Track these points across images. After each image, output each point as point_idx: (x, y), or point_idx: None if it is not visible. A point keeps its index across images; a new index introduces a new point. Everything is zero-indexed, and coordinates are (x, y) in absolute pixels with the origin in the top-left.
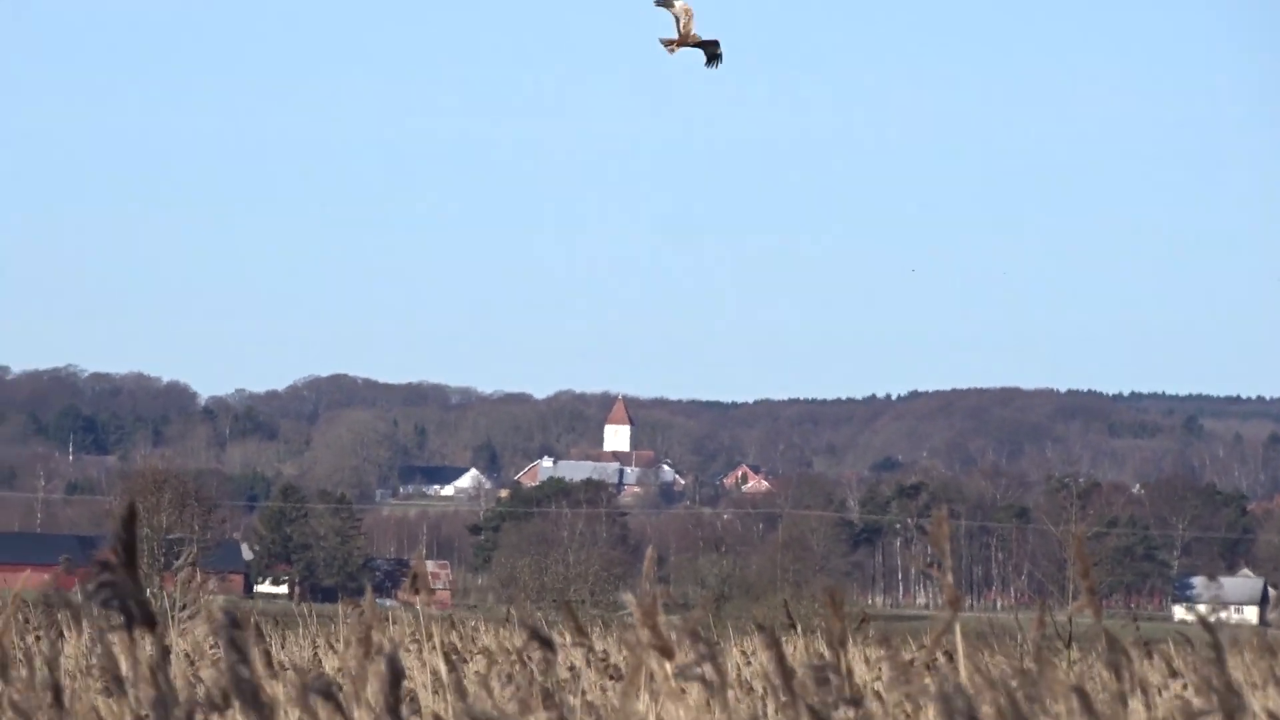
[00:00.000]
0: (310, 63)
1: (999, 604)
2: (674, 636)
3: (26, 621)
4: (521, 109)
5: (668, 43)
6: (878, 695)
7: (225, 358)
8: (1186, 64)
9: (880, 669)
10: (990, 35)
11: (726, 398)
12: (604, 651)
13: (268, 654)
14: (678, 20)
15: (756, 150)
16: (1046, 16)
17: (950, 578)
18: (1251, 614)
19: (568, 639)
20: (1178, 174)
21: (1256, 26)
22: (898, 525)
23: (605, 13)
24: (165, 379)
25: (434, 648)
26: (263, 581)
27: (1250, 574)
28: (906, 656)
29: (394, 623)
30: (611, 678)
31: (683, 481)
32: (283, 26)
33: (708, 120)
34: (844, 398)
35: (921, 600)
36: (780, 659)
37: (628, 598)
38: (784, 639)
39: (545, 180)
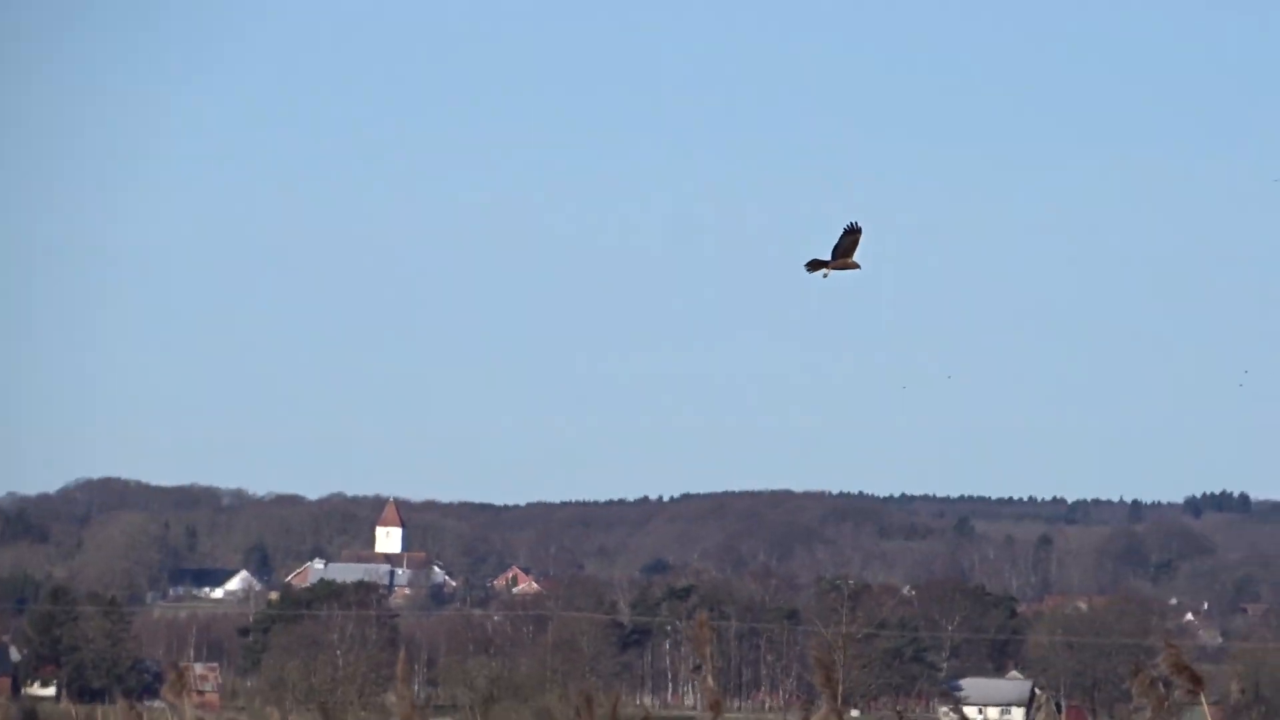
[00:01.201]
0: None
1: (767, 704)
2: None
3: None
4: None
5: (818, 265)
6: None
7: None
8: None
9: None
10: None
11: (498, 500)
12: None
13: None
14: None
15: (499, 247)
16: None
17: (711, 681)
18: (1019, 716)
19: None
20: (931, 265)
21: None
22: (668, 627)
23: None
24: None
25: None
26: (31, 684)
27: (1019, 675)
28: None
29: None
30: None
31: (454, 583)
32: None
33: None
34: (616, 499)
35: (690, 701)
36: None
37: (390, 700)
38: None
39: (304, 278)
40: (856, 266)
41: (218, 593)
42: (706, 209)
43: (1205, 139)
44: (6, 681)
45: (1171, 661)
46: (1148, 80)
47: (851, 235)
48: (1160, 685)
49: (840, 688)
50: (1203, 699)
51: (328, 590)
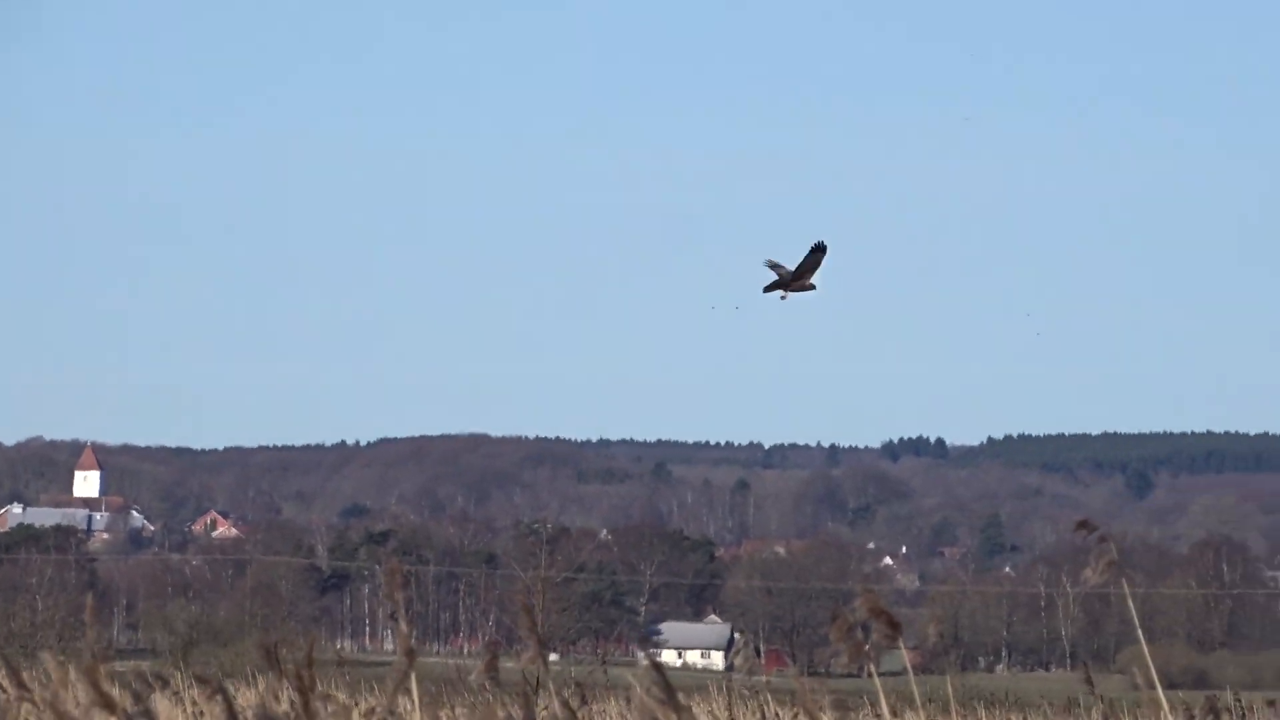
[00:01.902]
0: None
1: (466, 649)
2: (130, 685)
3: None
4: None
5: (776, 286)
6: None
7: None
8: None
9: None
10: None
11: (196, 444)
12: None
13: None
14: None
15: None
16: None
17: (405, 627)
18: (718, 659)
19: (10, 691)
20: (627, 207)
21: None
22: (366, 571)
23: None
24: None
25: None
26: None
27: (718, 620)
28: (371, 704)
29: None
30: None
31: (152, 528)
32: None
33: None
34: (313, 444)
35: (389, 646)
36: (230, 708)
37: (85, 647)
38: (245, 686)
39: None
40: (813, 287)
41: None
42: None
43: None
44: None
45: (868, 606)
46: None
47: (817, 254)
48: (858, 630)
49: (539, 631)
50: (900, 643)
51: (25, 534)
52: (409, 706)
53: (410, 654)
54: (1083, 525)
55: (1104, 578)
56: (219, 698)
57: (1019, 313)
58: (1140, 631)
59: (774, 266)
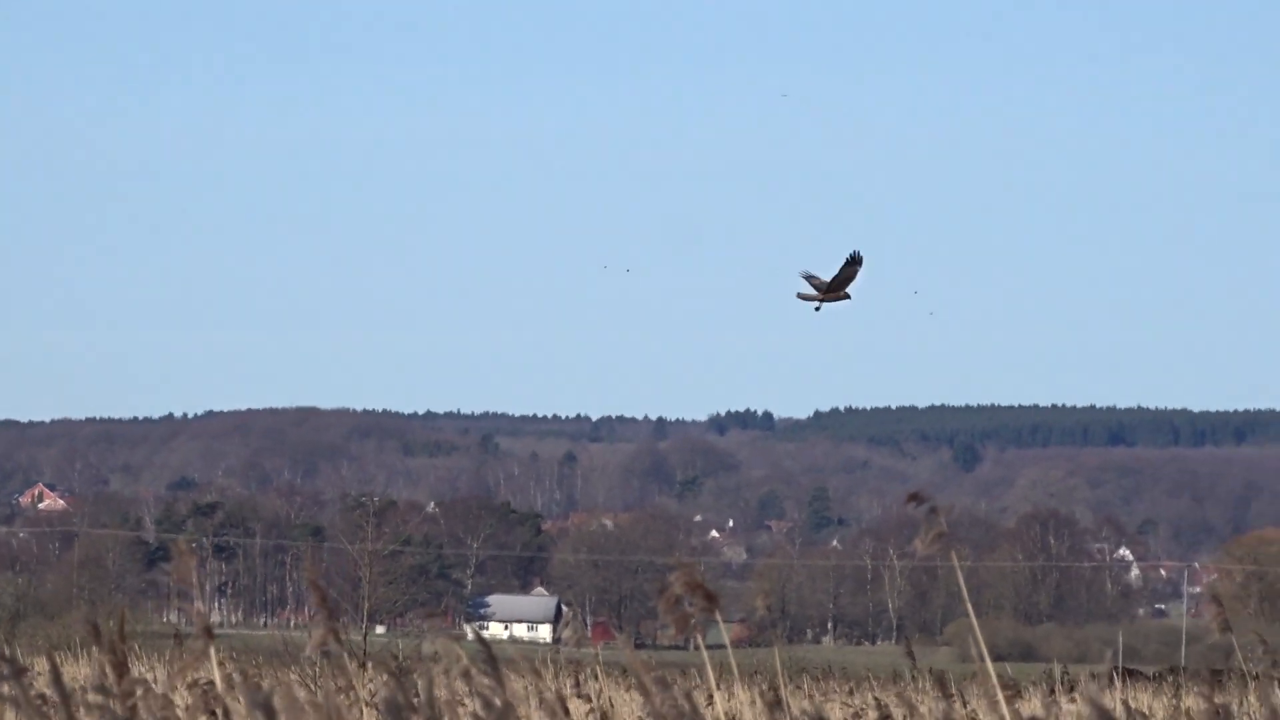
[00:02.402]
0: None
1: (293, 621)
2: None
3: None
4: None
5: (811, 297)
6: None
7: None
8: None
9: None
10: None
11: (23, 416)
12: None
13: None
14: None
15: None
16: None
17: (201, 606)
18: (546, 632)
19: None
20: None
21: None
22: (194, 544)
23: None
24: None
25: None
26: None
27: (544, 592)
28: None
29: None
30: None
31: None
32: None
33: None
34: (140, 416)
35: (216, 618)
36: (58, 679)
37: None
38: (73, 660)
39: None
40: (848, 298)
41: None
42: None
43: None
44: None
45: (685, 580)
46: None
47: (853, 266)
48: (685, 603)
49: (366, 604)
50: (718, 617)
51: None
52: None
53: (208, 632)
54: (914, 498)
55: (934, 550)
56: (46, 673)
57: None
58: (969, 605)
59: (809, 278)
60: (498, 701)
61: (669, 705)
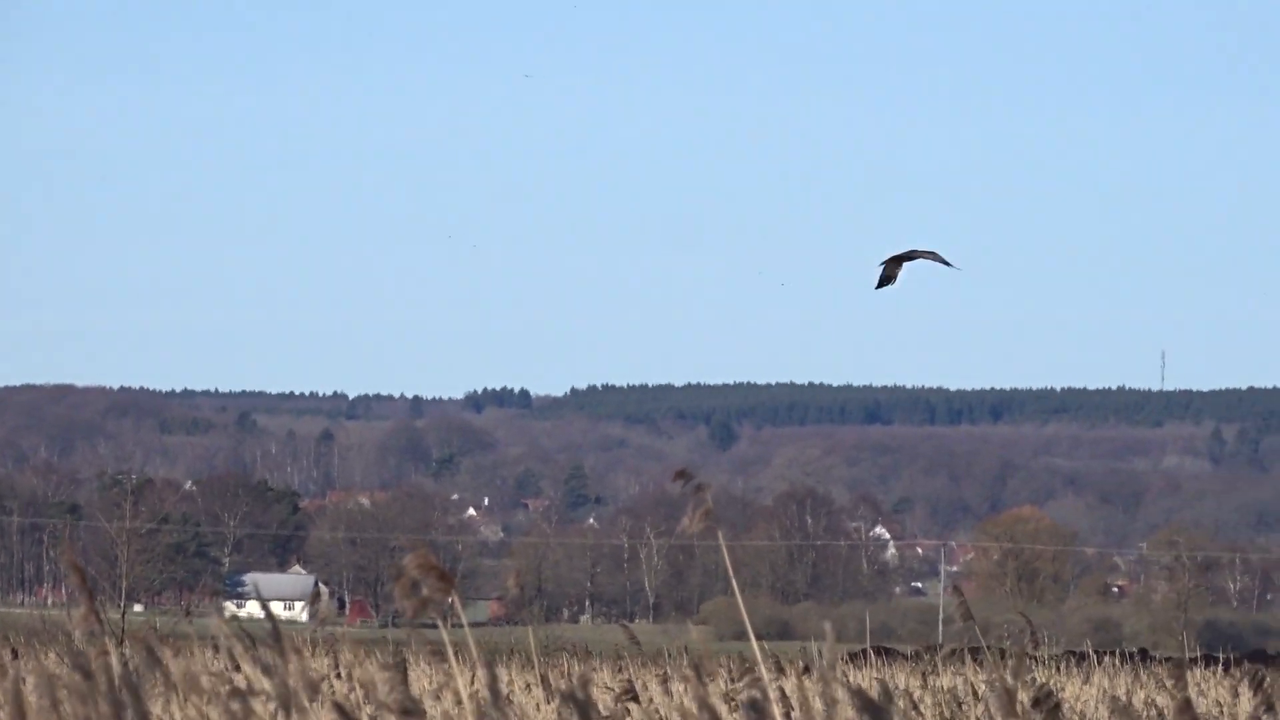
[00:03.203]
0: None
1: (50, 600)
2: None
3: None
4: None
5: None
6: None
7: None
8: None
9: None
10: None
11: None
12: None
13: None
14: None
15: None
16: None
17: None
18: (303, 610)
19: None
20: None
21: None
22: None
23: None
24: None
25: None
26: None
27: (302, 570)
28: None
29: None
30: None
31: None
32: None
33: None
34: None
35: None
36: None
37: None
38: None
39: None
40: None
41: None
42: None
43: None
44: None
45: (419, 562)
46: None
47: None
48: (420, 586)
49: (124, 583)
50: (454, 598)
51: None
52: None
53: None
54: (681, 475)
55: (700, 527)
56: None
57: (600, 262)
58: (735, 582)
59: (889, 266)
60: (283, 682)
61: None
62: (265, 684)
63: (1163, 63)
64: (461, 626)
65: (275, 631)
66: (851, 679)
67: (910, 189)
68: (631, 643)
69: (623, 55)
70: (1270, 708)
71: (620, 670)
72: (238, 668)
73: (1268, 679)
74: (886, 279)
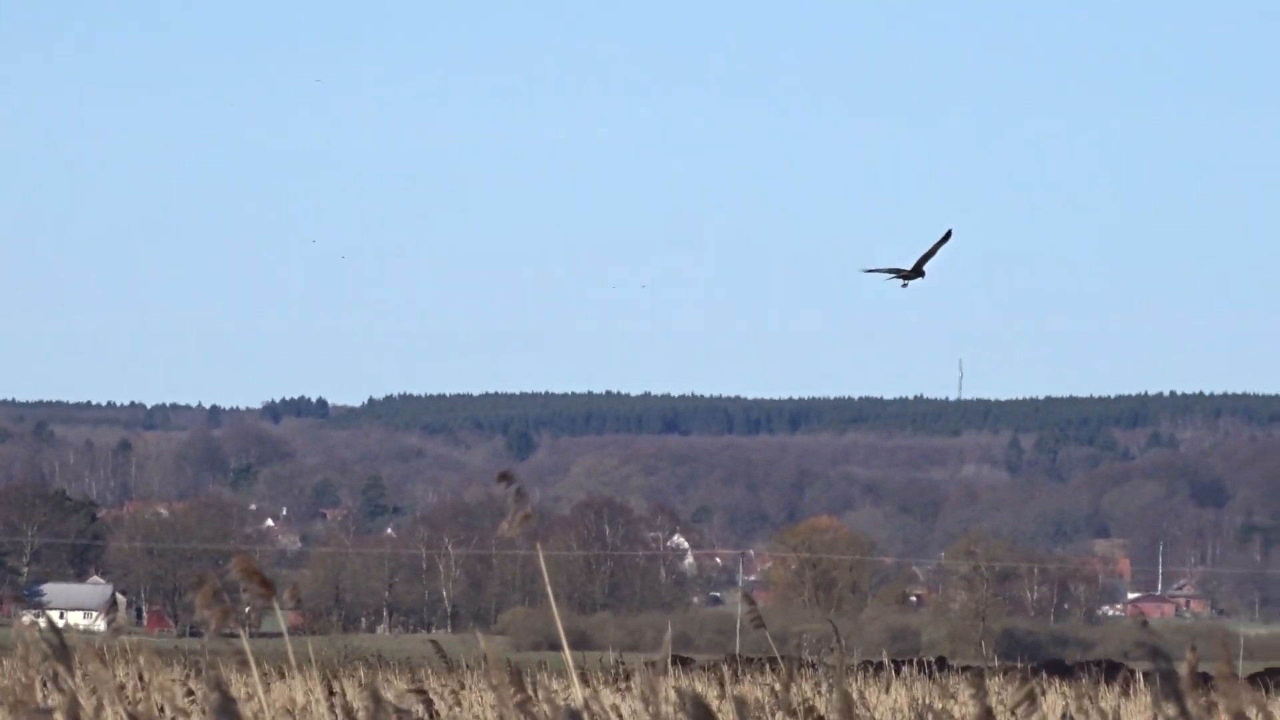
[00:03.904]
0: None
1: None
2: None
3: None
4: None
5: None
6: None
7: None
8: None
9: None
10: None
11: None
12: None
13: None
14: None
15: None
16: None
17: None
18: (101, 620)
19: None
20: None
21: None
22: None
23: None
24: None
25: None
26: None
27: (100, 581)
28: None
29: None
30: None
31: None
32: None
33: None
34: None
35: None
36: None
37: None
38: None
39: None
40: (922, 275)
41: None
42: None
43: None
44: None
45: (241, 567)
46: None
47: (943, 243)
48: (225, 595)
49: None
50: (276, 604)
51: None
52: None
53: None
54: (504, 477)
55: (519, 531)
56: None
57: (398, 271)
58: (550, 590)
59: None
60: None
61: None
62: (56, 696)
63: (966, 73)
64: (281, 635)
65: (61, 643)
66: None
67: (696, 192)
68: (437, 654)
69: (424, 56)
70: (1032, 700)
71: (416, 679)
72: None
73: (1032, 680)
74: (916, 272)
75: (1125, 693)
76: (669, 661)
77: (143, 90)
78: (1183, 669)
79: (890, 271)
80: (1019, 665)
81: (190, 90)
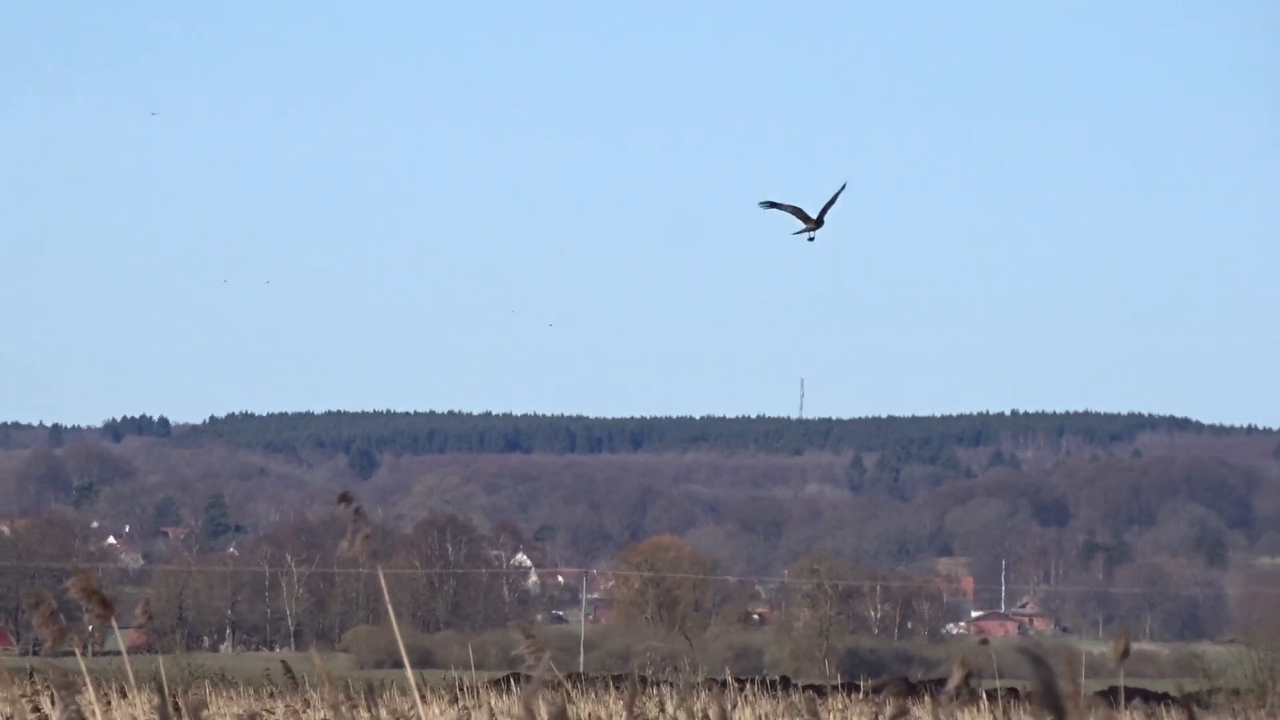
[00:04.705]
0: None
1: None
2: None
3: None
4: None
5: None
6: None
7: None
8: None
9: None
10: None
11: None
12: None
13: None
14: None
15: None
16: None
17: None
18: None
19: None
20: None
21: None
22: None
23: None
24: None
25: None
26: None
27: None
28: None
29: None
30: None
31: None
32: None
33: None
34: None
35: None
36: None
37: None
38: None
39: None
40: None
41: None
42: None
43: None
44: None
45: (80, 586)
46: None
47: (838, 195)
48: (61, 615)
49: None
50: (114, 623)
51: None
52: None
53: None
54: (344, 498)
55: (360, 550)
56: None
57: (238, 288)
58: (391, 608)
59: (794, 211)
60: None
61: (72, 712)
62: None
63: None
64: (120, 654)
65: None
66: (494, 704)
67: (540, 209)
68: (284, 673)
69: (257, 79)
70: (905, 713)
71: (261, 698)
72: None
73: (904, 693)
74: (819, 222)
75: (975, 708)
76: (541, 680)
77: None
78: (1064, 683)
79: (793, 211)
80: (877, 681)
81: (41, 99)
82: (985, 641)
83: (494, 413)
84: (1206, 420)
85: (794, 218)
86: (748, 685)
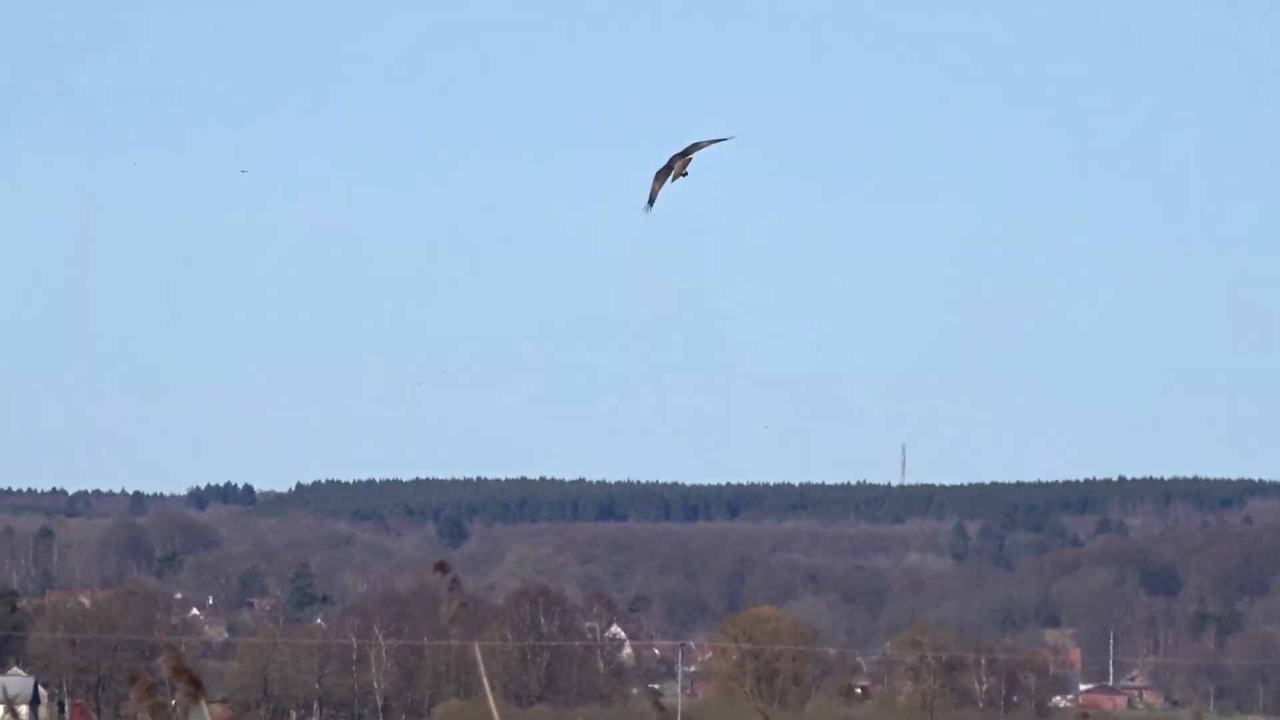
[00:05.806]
0: None
1: None
2: None
3: None
4: None
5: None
6: None
7: None
8: None
9: None
10: None
11: None
12: None
13: None
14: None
15: None
16: None
17: None
18: (26, 714)
19: None
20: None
21: None
22: None
23: None
24: None
25: None
26: None
27: (21, 672)
28: None
29: None
30: None
31: None
32: None
33: None
34: None
35: None
36: None
37: None
38: None
39: None
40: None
41: None
42: None
43: None
44: None
45: (171, 666)
46: None
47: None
48: (158, 690)
49: None
50: (203, 702)
51: None
52: None
53: None
54: (440, 567)
55: (458, 620)
56: None
57: (323, 356)
58: (486, 680)
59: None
60: None
61: None
62: None
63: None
64: None
65: None
66: None
67: (630, 273)
68: None
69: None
70: None
71: None
72: None
73: None
74: (652, 198)
75: None
76: None
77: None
78: None
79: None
80: None
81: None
82: (1085, 716)
83: (588, 479)
84: None
85: (668, 178)
86: None
